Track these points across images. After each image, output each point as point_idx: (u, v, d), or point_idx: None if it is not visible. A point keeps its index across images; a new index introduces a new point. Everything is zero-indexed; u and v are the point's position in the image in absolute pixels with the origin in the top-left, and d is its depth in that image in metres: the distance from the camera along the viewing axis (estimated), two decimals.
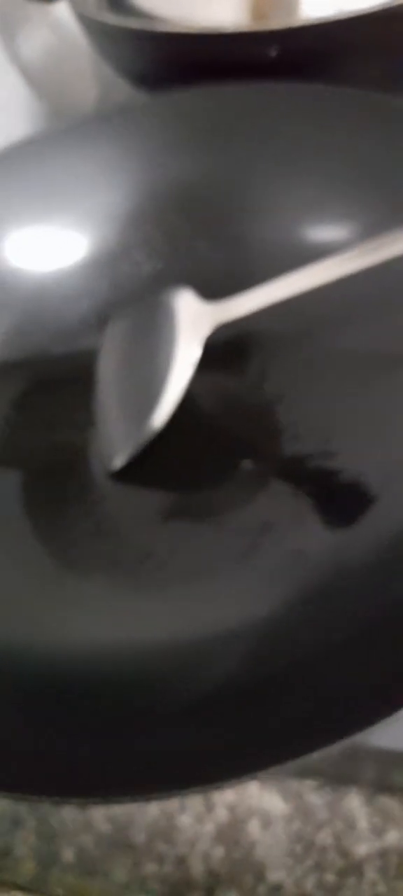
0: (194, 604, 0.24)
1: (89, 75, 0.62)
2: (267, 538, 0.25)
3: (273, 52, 0.32)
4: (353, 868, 0.28)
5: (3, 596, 0.25)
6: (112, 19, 0.39)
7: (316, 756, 0.16)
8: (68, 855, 0.26)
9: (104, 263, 0.35)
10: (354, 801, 0.29)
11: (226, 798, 0.30)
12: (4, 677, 0.22)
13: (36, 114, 0.55)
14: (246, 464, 0.28)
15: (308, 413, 0.28)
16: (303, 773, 0.29)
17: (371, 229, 0.27)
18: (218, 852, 0.27)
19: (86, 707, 0.20)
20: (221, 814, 0.28)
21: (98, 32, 0.40)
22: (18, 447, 0.30)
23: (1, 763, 0.18)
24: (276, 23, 0.34)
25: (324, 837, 0.28)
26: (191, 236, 0.34)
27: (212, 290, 0.30)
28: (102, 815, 0.29)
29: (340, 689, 0.19)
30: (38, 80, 0.54)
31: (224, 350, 0.30)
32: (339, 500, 0.26)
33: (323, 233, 0.32)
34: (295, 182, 0.33)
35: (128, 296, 0.34)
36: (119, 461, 0.29)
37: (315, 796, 0.29)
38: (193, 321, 0.29)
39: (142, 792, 0.16)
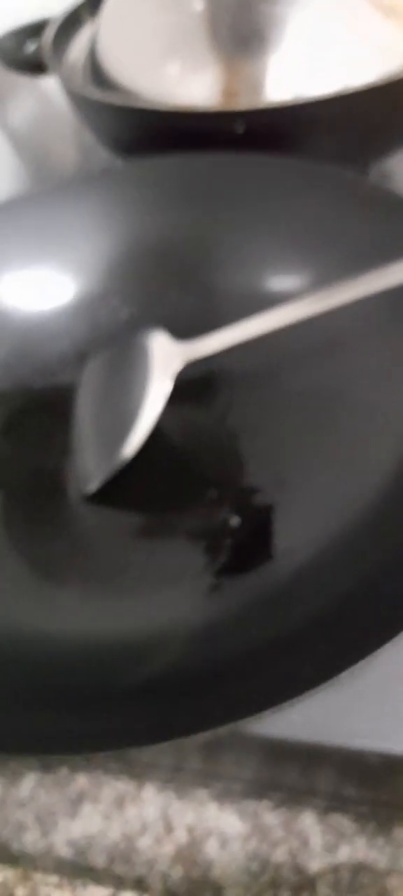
0: (158, 607, 0.25)
1: (70, 142, 0.65)
2: (223, 556, 0.27)
3: (239, 129, 0.35)
4: (307, 884, 0.28)
5: None
6: (97, 94, 0.42)
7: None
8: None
9: (84, 307, 0.36)
10: (308, 819, 0.29)
11: (186, 820, 0.30)
12: None
13: (20, 175, 0.57)
14: (210, 490, 0.29)
15: (265, 445, 0.30)
16: (260, 793, 0.30)
17: (320, 280, 0.30)
18: (177, 872, 0.28)
19: (59, 685, 0.22)
20: (180, 835, 0.29)
21: (83, 105, 0.43)
22: (1, 470, 0.31)
23: None
24: (242, 104, 0.37)
25: (280, 855, 0.28)
26: (164, 285, 0.36)
27: (183, 333, 0.32)
28: (63, 839, 0.30)
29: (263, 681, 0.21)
30: (23, 144, 0.57)
31: (193, 386, 0.32)
32: (288, 526, 0.27)
33: (280, 282, 0.35)
34: (255, 238, 0.35)
35: (106, 337, 0.36)
36: (93, 485, 0.30)
37: (270, 816, 0.29)
38: (165, 359, 0.31)
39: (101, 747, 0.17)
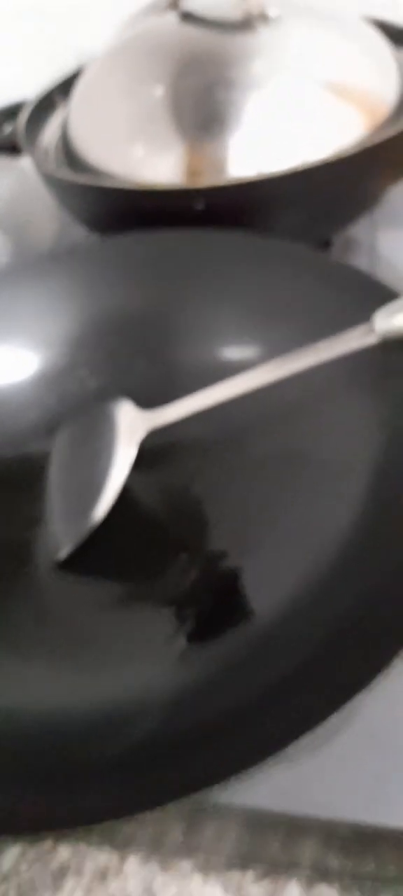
0: (126, 678, 0.25)
1: (48, 218, 0.67)
2: (191, 623, 0.27)
3: (200, 206, 0.36)
4: None
5: None
6: (67, 174, 0.43)
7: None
8: None
9: (52, 379, 0.37)
10: (293, 891, 0.30)
11: (169, 892, 0.30)
12: None
13: (0, 250, 0.59)
14: (177, 557, 0.29)
15: (231, 509, 0.31)
16: (244, 864, 0.30)
17: (278, 350, 0.30)
18: None
19: (26, 759, 0.22)
20: None
21: (55, 185, 0.44)
22: None
23: None
24: (204, 182, 0.38)
25: None
26: (130, 357, 0.37)
27: (149, 402, 0.32)
28: None
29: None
30: (1, 220, 0.59)
31: (159, 455, 0.33)
32: (254, 588, 0.28)
33: (240, 352, 0.35)
34: (216, 312, 0.37)
35: (74, 407, 0.36)
36: (63, 552, 0.30)
37: (254, 888, 0.30)
38: (130, 426, 0.32)
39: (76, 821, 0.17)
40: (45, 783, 0.21)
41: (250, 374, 0.31)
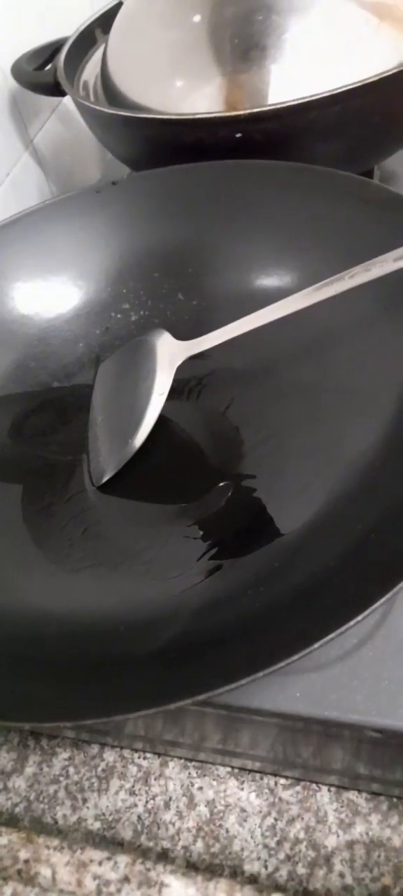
0: (166, 588, 0.27)
1: (90, 158, 0.67)
2: (225, 539, 0.28)
3: (238, 134, 0.35)
4: (323, 860, 0.28)
5: (7, 584, 0.28)
6: (105, 107, 0.43)
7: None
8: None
9: (97, 312, 0.38)
10: (324, 798, 0.30)
11: (206, 795, 0.31)
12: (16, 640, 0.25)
13: (45, 192, 0.59)
14: (212, 479, 0.30)
15: (263, 435, 0.31)
16: (277, 770, 0.31)
17: (317, 278, 0.30)
18: (198, 846, 0.29)
19: (74, 657, 0.24)
20: (202, 810, 0.30)
21: (94, 120, 0.44)
22: (20, 463, 0.33)
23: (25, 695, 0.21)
24: (241, 108, 0.37)
25: (296, 831, 0.29)
26: (169, 289, 0.38)
27: (188, 331, 0.33)
28: (92, 814, 0.31)
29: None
30: (47, 162, 0.59)
31: (196, 384, 0.34)
32: (282, 508, 0.28)
33: (274, 281, 0.36)
34: (252, 241, 0.37)
35: (117, 339, 0.37)
36: (105, 476, 0.31)
37: (287, 793, 0.30)
38: (168, 356, 0.32)
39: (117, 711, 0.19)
40: (90, 677, 0.23)
41: (284, 301, 0.31)
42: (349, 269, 0.29)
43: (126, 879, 0.25)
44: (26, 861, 0.26)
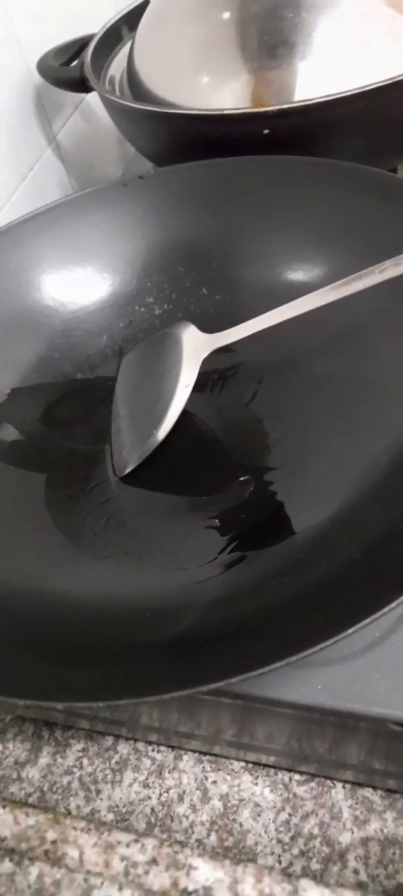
0: (187, 578, 0.27)
1: (115, 155, 0.68)
2: (246, 532, 0.28)
3: (265, 130, 0.35)
4: (337, 856, 0.28)
5: (30, 569, 0.28)
6: (132, 102, 0.43)
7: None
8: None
9: (121, 305, 0.38)
10: (338, 794, 0.30)
11: (220, 789, 0.31)
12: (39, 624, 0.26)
13: (66, 187, 0.60)
14: (236, 472, 0.30)
15: (287, 428, 0.31)
16: (291, 765, 0.31)
17: (341, 272, 0.30)
18: (212, 840, 0.29)
19: (93, 641, 0.24)
20: (216, 804, 0.30)
21: (120, 115, 0.44)
22: (44, 452, 0.33)
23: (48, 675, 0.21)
24: (267, 104, 0.37)
25: (310, 827, 0.29)
26: (194, 283, 0.38)
27: (212, 325, 0.33)
28: (106, 805, 0.31)
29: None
30: (69, 158, 0.59)
31: (222, 375, 0.34)
32: (304, 502, 0.28)
33: (302, 275, 0.35)
34: (277, 236, 0.36)
35: (141, 332, 0.37)
36: (129, 467, 0.31)
37: (301, 788, 0.30)
38: (193, 349, 0.32)
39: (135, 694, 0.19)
40: (105, 661, 0.23)
41: (312, 295, 0.30)
42: (378, 263, 0.29)
43: (154, 861, 0.25)
44: (53, 842, 0.26)
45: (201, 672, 0.20)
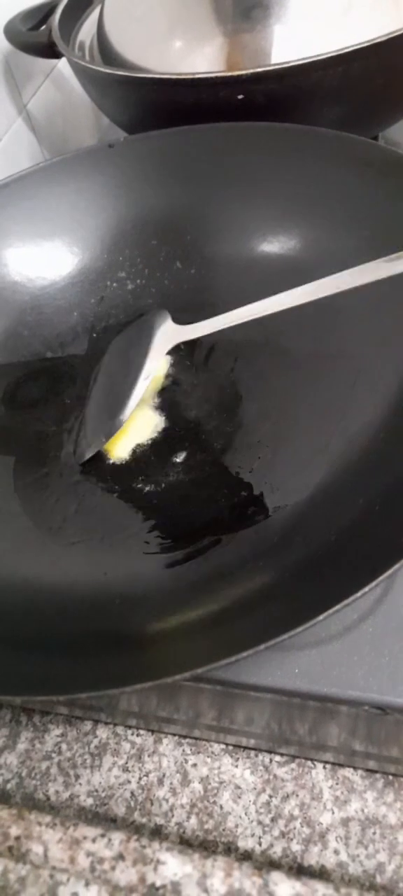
0: (159, 562, 0.26)
1: (88, 124, 0.66)
2: (227, 517, 0.27)
3: (239, 95, 0.34)
4: (318, 837, 0.28)
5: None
6: (102, 67, 0.41)
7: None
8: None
9: (92, 280, 0.37)
10: (319, 775, 0.29)
11: (200, 772, 0.31)
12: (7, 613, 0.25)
13: (38, 158, 0.58)
14: (211, 453, 0.30)
15: (266, 405, 0.30)
16: (272, 747, 0.31)
17: (312, 243, 0.30)
18: (192, 823, 0.28)
19: (63, 628, 0.23)
20: (196, 787, 0.29)
21: (91, 81, 0.42)
22: (11, 434, 0.32)
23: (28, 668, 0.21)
24: (242, 69, 0.34)
25: (291, 808, 0.28)
26: (167, 257, 0.36)
27: (186, 302, 0.32)
28: (85, 790, 0.31)
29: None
30: (40, 128, 0.57)
31: (200, 355, 0.33)
32: (283, 477, 0.28)
33: (276, 247, 0.34)
34: (253, 206, 0.35)
35: (113, 309, 0.36)
36: (86, 455, 0.31)
37: (282, 770, 0.29)
38: (161, 340, 0.31)
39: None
40: (83, 651, 0.22)
41: (281, 295, 0.29)
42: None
43: (120, 857, 0.24)
44: (17, 838, 0.25)
45: (177, 661, 0.19)
